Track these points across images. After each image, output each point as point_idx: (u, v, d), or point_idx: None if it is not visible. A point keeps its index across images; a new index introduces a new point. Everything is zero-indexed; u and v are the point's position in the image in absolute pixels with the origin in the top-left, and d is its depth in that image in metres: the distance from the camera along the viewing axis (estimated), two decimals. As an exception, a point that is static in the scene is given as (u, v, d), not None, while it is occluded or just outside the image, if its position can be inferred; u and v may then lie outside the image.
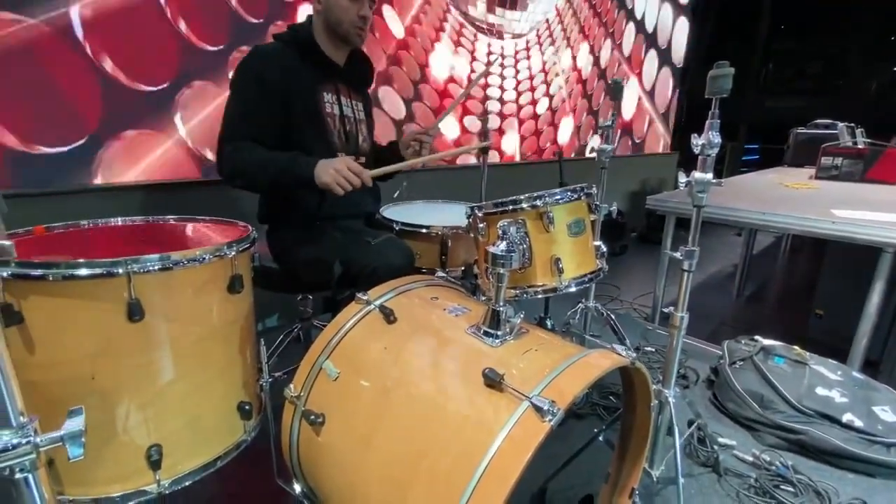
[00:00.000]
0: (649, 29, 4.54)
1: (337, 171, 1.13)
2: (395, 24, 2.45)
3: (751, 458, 1.40)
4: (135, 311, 0.78)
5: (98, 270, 0.76)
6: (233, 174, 1.21)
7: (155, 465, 0.84)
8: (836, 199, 2.31)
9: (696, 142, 0.99)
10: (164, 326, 0.83)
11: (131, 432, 0.84)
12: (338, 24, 1.26)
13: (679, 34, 5.04)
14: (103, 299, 0.77)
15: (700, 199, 1.03)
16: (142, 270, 0.78)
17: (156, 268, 0.80)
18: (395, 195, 1.54)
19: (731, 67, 0.95)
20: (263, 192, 1.36)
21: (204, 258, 0.86)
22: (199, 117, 1.80)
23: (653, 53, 4.69)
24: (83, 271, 0.75)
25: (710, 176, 1.01)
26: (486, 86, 3.06)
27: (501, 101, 3.19)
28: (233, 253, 0.90)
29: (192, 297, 0.87)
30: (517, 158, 3.43)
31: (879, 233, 1.70)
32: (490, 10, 2.93)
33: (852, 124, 3.76)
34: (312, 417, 0.89)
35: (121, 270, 0.76)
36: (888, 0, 7.27)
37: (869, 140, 3.30)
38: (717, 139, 0.98)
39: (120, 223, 1.08)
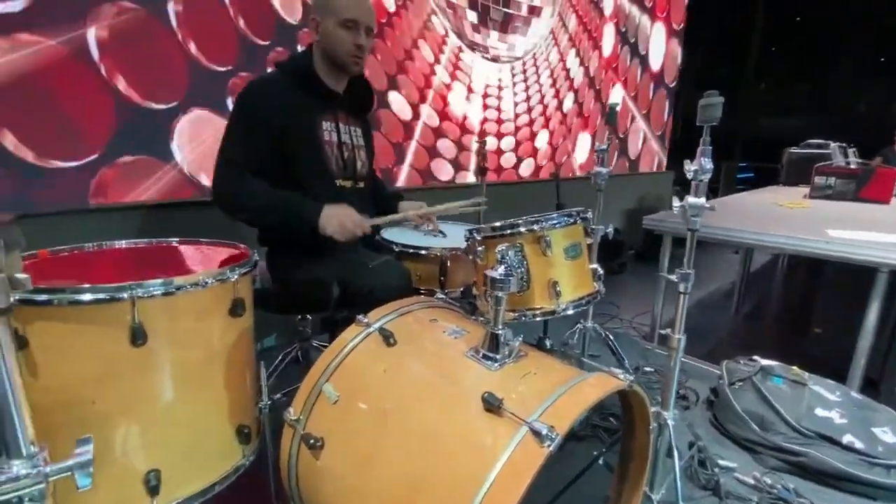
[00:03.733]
0: (643, 51, 4.65)
1: (342, 227, 1.21)
2: (395, 48, 2.52)
3: (752, 481, 1.39)
4: (138, 336, 0.78)
5: (102, 295, 0.77)
6: (235, 209, 1.24)
7: (153, 490, 0.83)
8: (831, 219, 2.34)
9: (689, 167, 1.02)
10: (166, 351, 0.84)
11: (130, 457, 0.84)
12: (335, 53, 1.30)
13: (672, 56, 5.16)
14: (107, 324, 0.78)
15: (694, 223, 1.05)
16: (146, 295, 0.79)
17: (159, 292, 0.81)
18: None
19: (721, 97, 0.98)
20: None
21: (207, 282, 0.87)
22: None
23: (646, 75, 4.80)
24: (87, 296, 0.76)
25: (703, 200, 1.03)
26: (485, 107, 3.13)
27: (499, 121, 3.25)
28: (235, 276, 0.92)
29: (194, 321, 0.87)
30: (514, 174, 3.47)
31: (874, 253, 1.72)
32: (486, 34, 3.01)
33: (844, 144, 3.84)
34: (312, 441, 0.89)
35: (125, 295, 0.77)
36: (875, 21, 7.48)
37: (861, 160, 3.36)
38: (710, 165, 1.00)
39: (124, 246, 1.09)
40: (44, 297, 0.75)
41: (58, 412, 0.78)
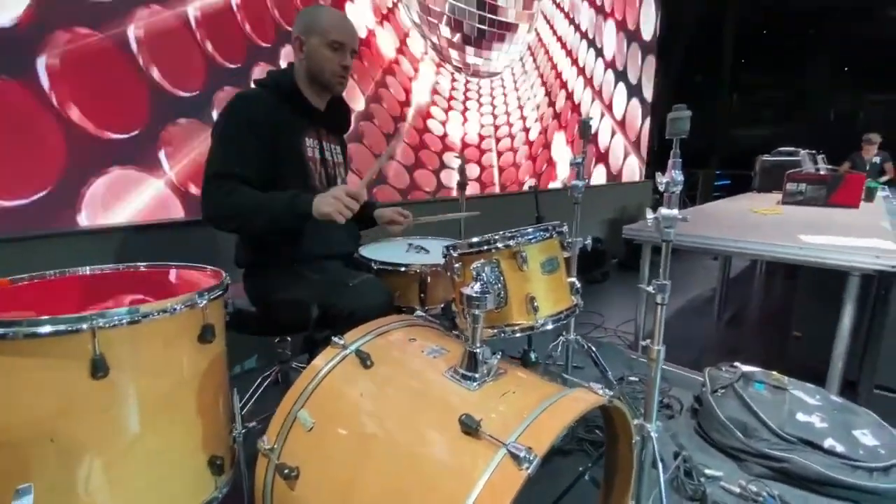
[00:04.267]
0: (619, 66, 4.77)
1: (337, 199, 1.13)
2: (376, 61, 2.53)
3: (738, 490, 1.38)
4: (99, 368, 0.75)
5: (62, 327, 0.74)
6: (225, 217, 1.18)
7: (117, 530, 0.79)
8: (803, 224, 2.40)
9: (661, 180, 1.03)
10: (129, 382, 0.80)
11: (93, 495, 0.79)
12: (320, 72, 1.30)
13: (648, 70, 5.31)
14: (66, 357, 0.75)
15: (668, 234, 1.06)
16: (107, 325, 0.76)
17: (123, 321, 0.78)
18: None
19: (688, 110, 1.00)
20: (252, 235, 1.33)
21: (175, 309, 0.84)
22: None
23: (623, 88, 4.91)
24: (46, 329, 0.73)
25: (675, 211, 1.04)
26: (465, 121, 3.15)
27: (479, 136, 3.28)
28: (204, 302, 0.89)
29: (160, 350, 0.84)
30: (496, 190, 3.49)
31: (845, 257, 1.76)
32: (464, 50, 3.05)
33: (813, 151, 3.96)
34: (286, 471, 0.86)
35: (85, 326, 0.74)
36: (842, 33, 7.81)
37: (829, 166, 3.47)
38: (680, 177, 1.02)
39: (88, 272, 1.05)
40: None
41: (10, 450, 0.74)
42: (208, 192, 1.18)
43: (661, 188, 1.03)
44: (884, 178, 5.03)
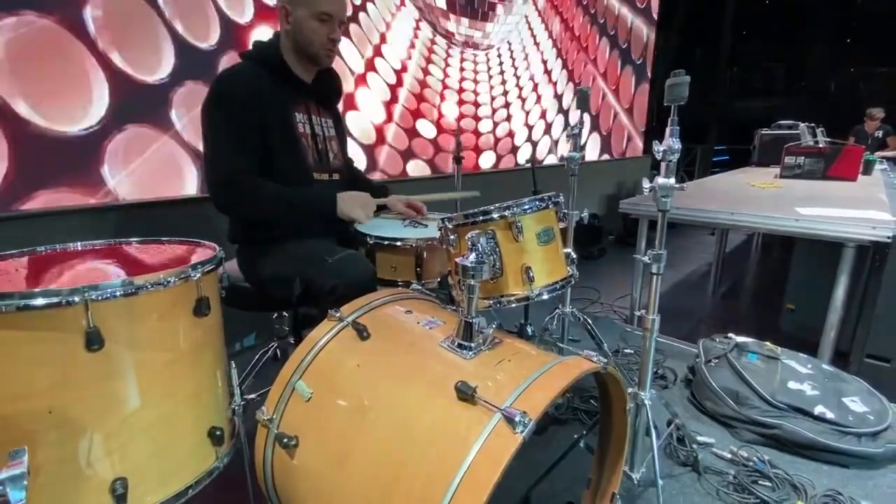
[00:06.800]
0: (621, 41, 4.67)
1: (364, 206, 1.29)
2: (364, 42, 2.47)
3: (729, 455, 1.42)
4: (93, 341, 0.75)
5: (54, 299, 0.73)
6: (252, 216, 1.26)
7: (120, 499, 0.80)
8: (800, 197, 2.39)
9: (658, 148, 1.02)
10: (126, 354, 0.80)
11: (94, 466, 0.80)
12: (308, 45, 1.27)
13: (649, 44, 5.20)
14: (59, 329, 0.74)
15: (664, 204, 1.05)
16: (100, 298, 0.75)
17: (117, 294, 0.78)
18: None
19: (687, 76, 0.98)
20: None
21: (168, 281, 0.84)
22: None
23: (623, 62, 4.82)
24: (39, 301, 0.73)
25: (672, 181, 1.03)
26: (461, 91, 3.10)
27: (475, 104, 3.23)
28: (198, 275, 0.88)
29: (155, 323, 0.84)
30: (492, 164, 3.46)
31: (841, 229, 1.77)
32: (459, 22, 2.98)
33: (813, 124, 3.92)
34: (286, 440, 0.87)
35: (77, 299, 0.73)
36: (843, 5, 7.64)
37: (829, 139, 3.43)
38: (678, 145, 1.00)
39: (80, 247, 1.04)
40: (-11, 303, 0.71)
41: (11, 423, 0.74)
42: (229, 194, 1.19)
43: (658, 156, 1.02)
44: (880, 154, 4.99)
